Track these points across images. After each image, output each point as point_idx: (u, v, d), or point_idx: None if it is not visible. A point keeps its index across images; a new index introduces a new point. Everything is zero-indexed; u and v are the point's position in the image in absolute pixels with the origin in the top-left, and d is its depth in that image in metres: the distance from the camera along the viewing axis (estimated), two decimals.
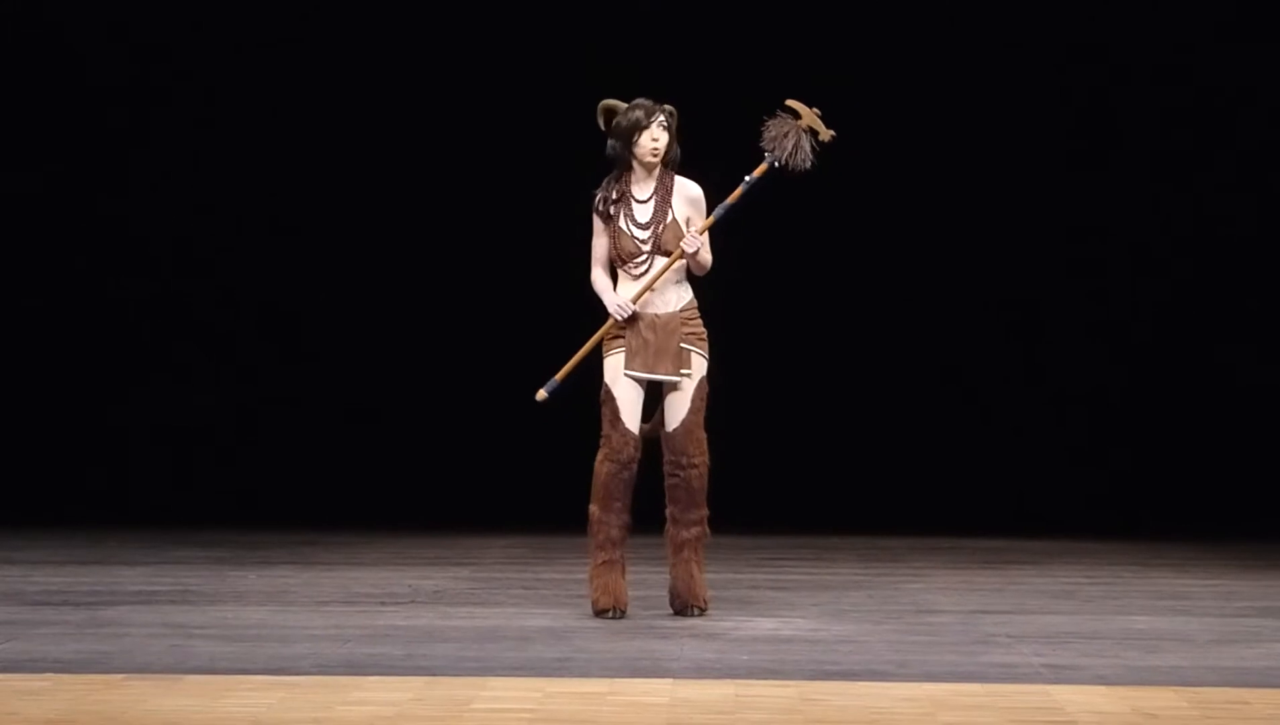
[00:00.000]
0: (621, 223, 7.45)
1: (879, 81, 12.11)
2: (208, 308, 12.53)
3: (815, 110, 7.58)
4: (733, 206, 7.48)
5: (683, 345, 7.43)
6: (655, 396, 7.56)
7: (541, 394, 7.46)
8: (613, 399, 7.44)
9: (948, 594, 8.44)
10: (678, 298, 7.48)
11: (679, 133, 7.50)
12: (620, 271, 7.50)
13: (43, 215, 12.52)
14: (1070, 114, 12.48)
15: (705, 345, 7.50)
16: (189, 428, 12.51)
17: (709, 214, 7.49)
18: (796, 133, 7.52)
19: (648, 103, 7.46)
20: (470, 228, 12.29)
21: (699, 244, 7.37)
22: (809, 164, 7.51)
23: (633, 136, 7.43)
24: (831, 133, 7.53)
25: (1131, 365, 12.54)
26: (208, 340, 12.53)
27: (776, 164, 7.52)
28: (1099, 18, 12.25)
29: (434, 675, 6.04)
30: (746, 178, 7.49)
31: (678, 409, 7.46)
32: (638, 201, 7.47)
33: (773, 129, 7.55)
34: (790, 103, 7.58)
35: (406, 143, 12.39)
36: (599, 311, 7.51)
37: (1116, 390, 12.53)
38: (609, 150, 7.50)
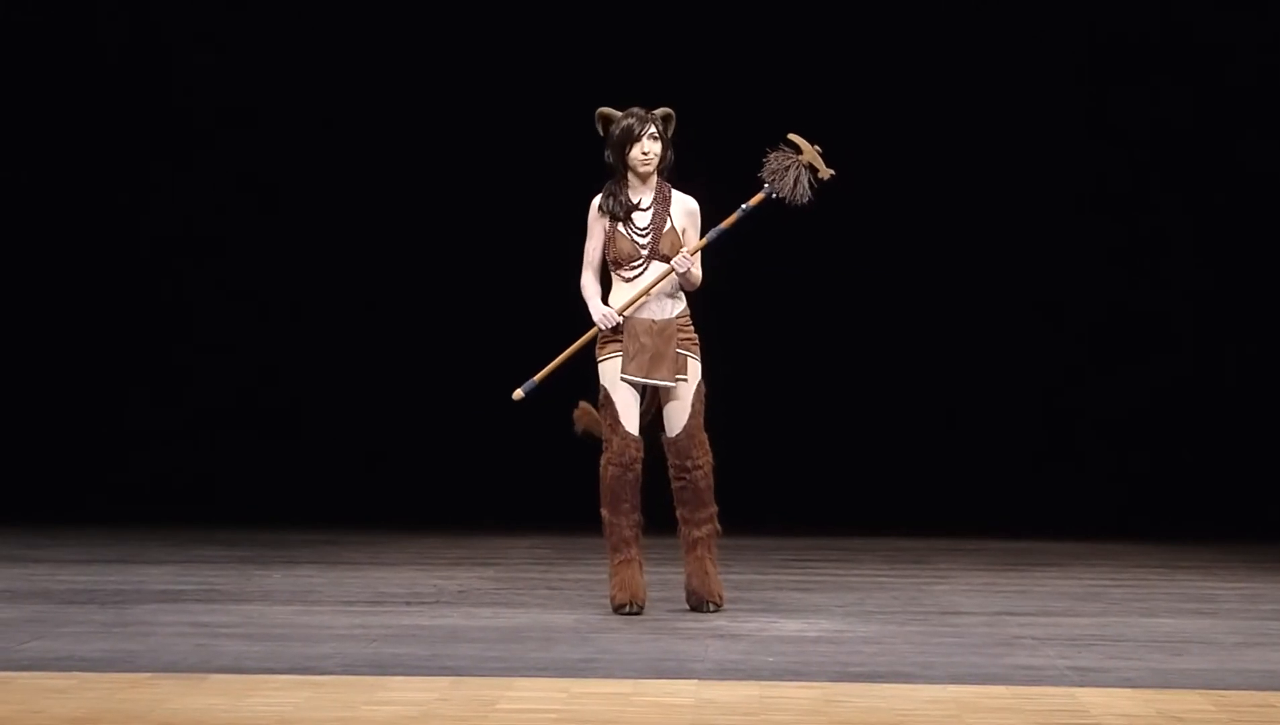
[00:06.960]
0: (621, 226, 7.51)
1: (877, 80, 12.11)
2: (231, 306, 12.56)
3: (817, 147, 7.62)
4: (725, 232, 7.55)
5: (678, 351, 7.49)
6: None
7: (519, 393, 7.56)
8: (611, 403, 7.54)
9: (972, 596, 8.43)
10: (673, 305, 7.56)
11: (672, 138, 7.54)
12: (614, 274, 7.58)
13: (70, 215, 12.59)
14: (1077, 116, 12.47)
15: (699, 350, 7.58)
16: (214, 427, 12.55)
17: (704, 231, 7.56)
18: (797, 168, 7.59)
19: (640, 111, 7.55)
20: (489, 229, 12.30)
21: (689, 264, 7.49)
22: (807, 200, 7.57)
23: (624, 147, 7.52)
24: (831, 171, 7.58)
25: (1158, 366, 12.52)
26: (235, 338, 12.56)
27: (774, 195, 7.57)
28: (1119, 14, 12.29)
29: (459, 675, 6.04)
30: (743, 206, 7.57)
31: (678, 414, 7.55)
32: (636, 207, 7.53)
33: (774, 162, 7.62)
34: (792, 137, 7.63)
35: (420, 147, 12.41)
36: (588, 316, 7.57)
37: (1143, 392, 12.51)
38: (606, 157, 7.55)
